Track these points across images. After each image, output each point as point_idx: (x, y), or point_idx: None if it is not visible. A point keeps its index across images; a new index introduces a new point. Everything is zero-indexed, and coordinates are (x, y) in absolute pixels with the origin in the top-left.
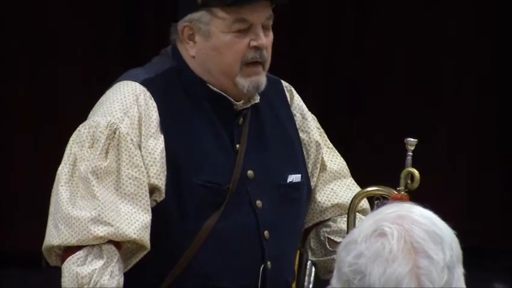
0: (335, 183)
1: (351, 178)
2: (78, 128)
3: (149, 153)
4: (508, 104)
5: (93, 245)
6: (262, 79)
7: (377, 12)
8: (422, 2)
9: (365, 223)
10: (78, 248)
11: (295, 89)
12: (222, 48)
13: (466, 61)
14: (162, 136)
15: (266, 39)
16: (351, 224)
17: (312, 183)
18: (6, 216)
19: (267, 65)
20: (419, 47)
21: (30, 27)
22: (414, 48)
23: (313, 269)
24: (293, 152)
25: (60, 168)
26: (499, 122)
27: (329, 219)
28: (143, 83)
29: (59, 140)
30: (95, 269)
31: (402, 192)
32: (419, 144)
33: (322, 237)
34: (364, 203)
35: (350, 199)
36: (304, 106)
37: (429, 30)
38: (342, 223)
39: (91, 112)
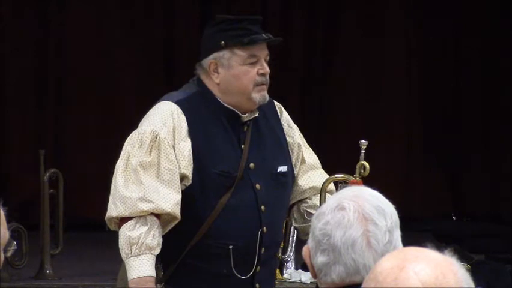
0: (311, 172)
1: (322, 169)
2: (131, 134)
3: (180, 151)
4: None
5: (140, 216)
6: (266, 94)
7: None
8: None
9: (331, 200)
10: (129, 218)
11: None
12: (240, 75)
13: None
14: (190, 139)
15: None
16: (322, 201)
17: (295, 173)
18: (90, 196)
19: (267, 86)
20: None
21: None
22: None
23: (295, 233)
24: (282, 151)
25: (118, 162)
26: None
27: (306, 198)
28: (177, 102)
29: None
30: (142, 233)
31: (358, 178)
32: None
33: (302, 210)
34: (331, 186)
35: (322, 183)
36: (290, 119)
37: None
38: (315, 200)
39: (140, 122)
